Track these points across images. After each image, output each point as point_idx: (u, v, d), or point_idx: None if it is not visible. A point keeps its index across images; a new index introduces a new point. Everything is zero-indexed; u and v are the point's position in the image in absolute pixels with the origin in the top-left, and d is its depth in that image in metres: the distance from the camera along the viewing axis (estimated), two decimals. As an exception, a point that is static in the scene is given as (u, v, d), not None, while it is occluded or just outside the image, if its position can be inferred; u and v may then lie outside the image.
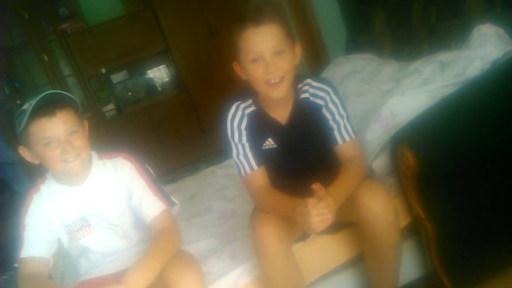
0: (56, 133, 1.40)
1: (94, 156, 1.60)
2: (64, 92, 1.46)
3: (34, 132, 1.40)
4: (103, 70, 4.85)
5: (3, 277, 3.19)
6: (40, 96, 1.37)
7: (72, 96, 1.48)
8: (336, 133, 1.57)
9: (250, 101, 1.60)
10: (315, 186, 1.34)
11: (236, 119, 1.59)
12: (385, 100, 1.85)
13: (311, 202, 1.30)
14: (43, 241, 1.52)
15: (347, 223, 1.59)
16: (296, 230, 1.59)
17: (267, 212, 1.51)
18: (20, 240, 1.52)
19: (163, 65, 5.13)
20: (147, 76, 5.15)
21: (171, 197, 1.60)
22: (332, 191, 1.37)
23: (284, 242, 1.47)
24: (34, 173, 1.52)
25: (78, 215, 1.57)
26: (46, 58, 4.76)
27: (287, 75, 1.47)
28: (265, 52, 1.42)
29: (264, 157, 1.61)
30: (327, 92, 1.57)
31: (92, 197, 1.56)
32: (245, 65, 1.47)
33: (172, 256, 1.45)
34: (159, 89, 5.15)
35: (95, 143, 1.58)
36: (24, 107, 1.39)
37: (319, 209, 1.29)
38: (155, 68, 5.14)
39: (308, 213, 1.30)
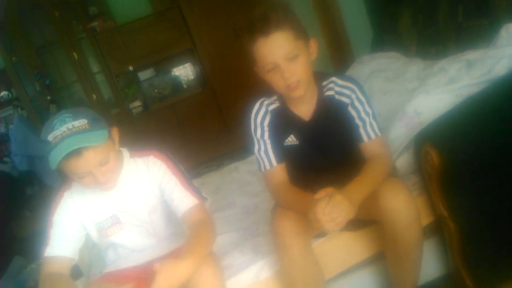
0: (85, 169, 1.41)
1: (126, 154, 1.62)
2: (87, 133, 1.40)
3: (64, 169, 1.41)
4: (131, 68, 4.94)
5: (31, 265, 3.28)
6: (64, 142, 1.35)
7: (97, 134, 1.42)
8: (361, 130, 1.57)
9: (274, 98, 1.62)
10: (319, 195, 1.34)
11: (260, 115, 1.62)
12: (410, 98, 1.83)
13: (320, 205, 1.30)
14: (69, 240, 1.54)
15: (369, 220, 1.59)
16: (316, 226, 1.60)
17: (286, 208, 1.53)
18: (46, 237, 1.54)
19: (189, 63, 5.20)
20: (173, 73, 5.23)
21: (202, 192, 1.62)
22: (351, 188, 1.38)
23: (303, 237, 1.48)
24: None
25: (109, 213, 1.60)
26: (75, 55, 4.88)
27: (304, 76, 1.47)
28: (278, 60, 1.42)
29: (286, 154, 1.62)
30: (353, 90, 1.57)
31: (124, 196, 1.59)
32: (263, 73, 1.48)
33: (211, 247, 1.48)
34: (185, 87, 5.22)
35: (122, 139, 1.59)
36: (49, 138, 1.37)
37: (328, 212, 1.29)
38: (180, 66, 5.22)
39: (318, 215, 1.30)
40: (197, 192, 1.58)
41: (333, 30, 3.49)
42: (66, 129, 1.36)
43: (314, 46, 1.51)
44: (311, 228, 1.53)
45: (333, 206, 1.29)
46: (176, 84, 5.23)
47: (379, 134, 1.58)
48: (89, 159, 1.38)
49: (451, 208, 1.60)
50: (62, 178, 1.57)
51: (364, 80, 2.26)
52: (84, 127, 1.39)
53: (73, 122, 1.38)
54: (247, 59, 1.50)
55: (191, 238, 1.48)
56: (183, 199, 1.56)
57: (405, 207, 1.42)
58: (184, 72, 5.25)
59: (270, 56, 1.42)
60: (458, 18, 2.05)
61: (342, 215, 1.30)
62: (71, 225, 1.56)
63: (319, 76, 1.58)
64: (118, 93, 5.06)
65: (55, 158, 1.35)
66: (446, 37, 2.13)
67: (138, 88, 5.16)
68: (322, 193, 1.34)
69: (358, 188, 1.40)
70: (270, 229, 1.56)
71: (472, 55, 1.85)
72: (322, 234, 1.68)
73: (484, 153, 1.56)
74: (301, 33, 1.46)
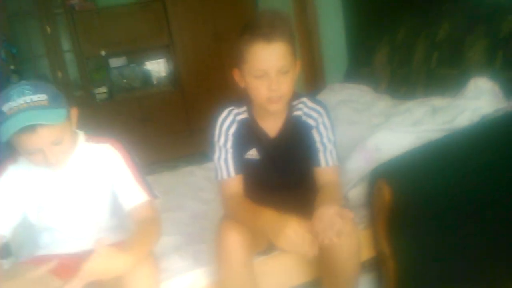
0: (37, 147, 1.35)
1: (81, 137, 1.56)
2: (45, 110, 1.34)
3: (15, 143, 1.35)
4: (103, 53, 4.83)
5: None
6: (19, 116, 1.30)
7: (55, 112, 1.36)
8: (321, 155, 1.58)
9: (244, 108, 1.61)
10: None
11: (226, 123, 1.60)
12: (372, 133, 1.87)
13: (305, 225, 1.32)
14: (4, 216, 1.48)
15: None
16: (261, 243, 1.58)
17: (234, 220, 1.52)
18: None
19: (163, 59, 5.14)
20: (145, 67, 5.14)
21: (154, 190, 1.58)
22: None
23: (246, 251, 1.46)
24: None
25: (52, 194, 1.54)
26: (48, 29, 4.72)
27: (287, 93, 1.48)
28: (271, 70, 1.41)
29: (245, 167, 1.61)
30: (320, 114, 1.58)
31: (71, 180, 1.53)
32: (248, 77, 1.46)
33: (154, 246, 1.45)
34: (154, 82, 5.14)
35: (81, 122, 1.54)
36: (4, 108, 1.31)
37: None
38: (154, 61, 5.14)
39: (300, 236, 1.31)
40: (148, 188, 1.55)
41: (310, 53, 3.53)
42: (23, 102, 1.31)
43: (298, 68, 1.52)
44: (258, 244, 1.54)
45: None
46: (146, 78, 5.14)
47: (336, 163, 1.60)
48: (43, 137, 1.33)
49: (394, 246, 1.63)
50: (9, 151, 1.50)
51: (332, 107, 2.26)
52: (42, 103, 1.33)
53: (32, 96, 1.32)
54: (223, 66, 1.48)
55: (136, 234, 1.44)
56: (133, 193, 1.52)
57: (347, 239, 1.42)
58: (157, 67, 5.17)
59: (265, 63, 1.41)
60: (431, 64, 2.11)
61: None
62: (9, 201, 1.49)
63: (291, 95, 1.58)
64: (85, 76, 4.92)
65: (7, 130, 1.29)
66: (417, 80, 2.19)
67: (107, 74, 5.05)
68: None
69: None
70: (215, 237, 1.54)
71: (438, 102, 1.91)
72: (266, 251, 1.67)
73: (435, 198, 1.60)
74: (295, 52, 1.47)
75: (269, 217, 1.39)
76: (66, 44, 4.89)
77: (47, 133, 1.33)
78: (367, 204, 1.72)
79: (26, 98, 1.31)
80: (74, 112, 1.48)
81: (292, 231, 1.32)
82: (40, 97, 1.33)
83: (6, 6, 4.64)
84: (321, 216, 1.33)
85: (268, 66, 1.41)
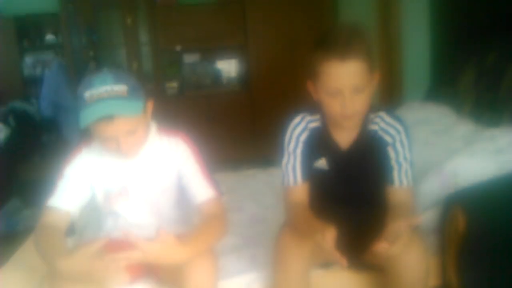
0: (112, 135, 1.39)
1: (154, 128, 1.60)
2: (125, 100, 1.38)
3: (92, 129, 1.40)
4: (178, 48, 4.96)
5: (26, 211, 3.29)
6: (99, 104, 1.34)
7: (134, 104, 1.40)
8: (395, 174, 1.52)
9: (317, 116, 1.57)
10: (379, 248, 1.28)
11: (298, 129, 1.58)
12: (451, 157, 1.79)
13: (330, 238, 1.26)
14: (74, 195, 1.53)
15: (375, 265, 1.53)
16: (320, 256, 1.54)
17: (295, 228, 1.49)
18: (53, 187, 1.53)
19: (235, 60, 5.20)
20: (216, 65, 5.22)
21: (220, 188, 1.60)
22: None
23: (304, 262, 1.45)
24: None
25: (120, 181, 1.58)
26: (129, 20, 4.91)
27: (362, 110, 1.44)
28: (345, 89, 1.36)
29: (312, 176, 1.58)
30: (398, 131, 1.53)
31: (140, 169, 1.57)
32: (321, 93, 1.43)
33: (218, 242, 1.47)
34: (224, 82, 5.21)
35: (152, 116, 1.57)
36: (86, 95, 1.35)
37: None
38: (226, 60, 5.21)
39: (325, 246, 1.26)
40: (215, 185, 1.56)
41: (390, 67, 3.43)
42: (104, 91, 1.35)
43: (376, 79, 1.46)
44: (318, 256, 1.49)
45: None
46: (217, 77, 5.22)
47: (411, 183, 1.53)
48: (119, 127, 1.37)
49: (462, 278, 1.56)
50: (83, 136, 1.56)
51: (409, 126, 2.21)
52: (122, 94, 1.37)
53: (113, 85, 1.36)
54: (295, 73, 1.46)
55: (200, 228, 1.46)
56: (201, 189, 1.54)
57: (416, 264, 1.39)
58: (228, 67, 5.24)
59: (339, 82, 1.36)
60: (522, 91, 1.99)
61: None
62: (80, 182, 1.54)
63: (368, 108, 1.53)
64: (159, 69, 5.07)
65: (86, 117, 1.34)
66: (504, 107, 2.07)
67: (179, 69, 5.17)
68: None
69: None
70: (275, 243, 1.52)
71: (526, 132, 1.80)
72: (325, 265, 1.63)
73: (513, 232, 1.50)
74: (372, 67, 1.41)
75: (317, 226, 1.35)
76: (144, 37, 5.07)
77: (123, 123, 1.37)
78: (439, 231, 1.65)
79: (108, 87, 1.35)
80: (150, 104, 1.52)
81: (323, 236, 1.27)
82: (121, 88, 1.37)
83: (91, -6, 4.86)
84: (392, 229, 1.26)
85: (342, 85, 1.36)
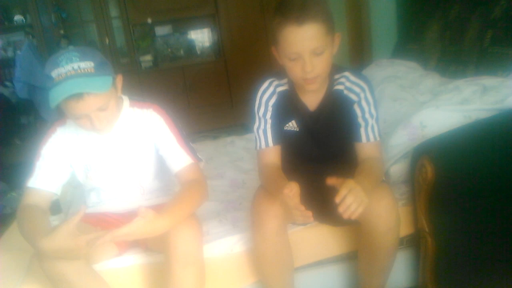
0: (84, 112, 1.39)
1: (126, 102, 1.60)
2: (92, 77, 1.37)
3: (63, 108, 1.39)
4: (149, 20, 4.89)
5: (12, 193, 3.29)
6: (67, 83, 1.33)
7: (101, 80, 1.40)
8: (362, 130, 1.57)
9: (285, 80, 1.60)
10: (332, 181, 1.32)
11: (266, 94, 1.61)
12: (418, 110, 1.83)
13: (294, 194, 1.29)
14: (53, 175, 1.54)
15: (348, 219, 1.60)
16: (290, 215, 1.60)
17: (269, 191, 1.53)
18: (32, 168, 1.54)
19: (208, 29, 5.16)
20: (189, 36, 5.19)
21: (198, 154, 1.62)
22: (361, 179, 1.35)
23: (280, 221, 1.48)
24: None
25: (98, 156, 1.59)
26: (98, -5, 4.81)
27: (323, 72, 1.46)
28: (304, 53, 1.38)
29: (283, 138, 1.63)
30: (363, 89, 1.56)
31: (116, 143, 1.58)
32: (283, 59, 1.44)
33: (199, 206, 1.49)
34: (198, 52, 5.18)
35: (126, 88, 1.57)
36: (53, 74, 1.34)
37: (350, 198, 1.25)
38: (198, 30, 5.18)
39: (289, 204, 1.30)
40: (192, 152, 1.58)
41: (358, 27, 3.45)
42: (71, 68, 1.34)
43: (337, 40, 1.47)
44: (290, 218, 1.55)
45: (355, 196, 1.25)
46: (190, 47, 5.19)
47: (378, 138, 1.58)
48: (89, 104, 1.37)
49: (433, 224, 1.62)
50: (59, 114, 1.55)
51: (377, 82, 2.25)
52: (89, 70, 1.36)
53: (79, 63, 1.35)
54: (268, 38, 1.47)
55: (179, 195, 1.48)
56: (178, 156, 1.56)
57: (387, 214, 1.44)
58: (201, 37, 5.21)
59: (297, 46, 1.38)
60: (484, 42, 2.03)
61: (358, 202, 1.26)
62: (58, 160, 1.56)
63: (333, 68, 1.55)
64: (131, 43, 5.01)
65: (55, 96, 1.33)
66: (468, 59, 2.12)
67: (152, 42, 5.12)
68: (333, 181, 1.32)
69: (367, 181, 1.37)
70: (250, 206, 1.58)
71: (489, 81, 1.85)
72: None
73: (479, 178, 1.57)
74: (331, 28, 1.42)
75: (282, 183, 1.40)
76: (114, 11, 4.98)
77: (93, 100, 1.37)
78: (409, 181, 1.71)
79: (74, 65, 1.34)
80: (119, 78, 1.51)
81: (285, 194, 1.30)
82: (87, 64, 1.36)
83: (57, -29, 4.74)
84: (347, 187, 1.27)
85: (300, 49, 1.38)
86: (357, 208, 1.26)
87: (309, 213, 1.29)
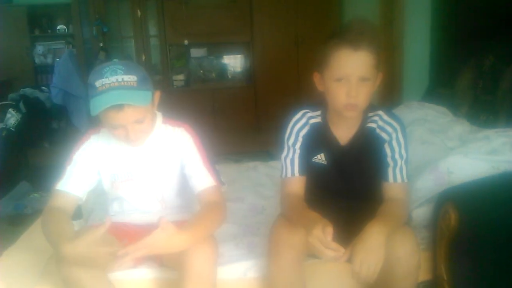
0: (121, 123, 1.44)
1: (159, 117, 1.65)
2: (134, 90, 1.43)
3: (101, 117, 1.45)
4: (186, 42, 5.02)
5: (35, 194, 3.35)
6: (110, 93, 1.39)
7: (143, 94, 1.46)
8: (390, 170, 1.56)
9: (318, 113, 1.62)
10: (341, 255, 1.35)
11: (298, 125, 1.62)
12: (446, 155, 1.83)
13: (329, 231, 1.30)
14: (82, 180, 1.58)
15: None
16: (313, 249, 1.59)
17: (289, 219, 1.53)
18: (62, 172, 1.58)
19: (241, 55, 5.26)
20: (222, 60, 5.30)
21: (221, 177, 1.65)
22: (381, 224, 1.37)
23: (298, 252, 1.48)
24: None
25: (126, 167, 1.63)
26: (139, 13, 4.97)
27: (364, 102, 1.48)
28: (352, 76, 1.42)
29: (310, 170, 1.63)
30: (395, 129, 1.57)
31: (146, 156, 1.63)
32: (328, 81, 1.47)
33: (217, 228, 1.51)
34: (229, 76, 5.28)
35: (158, 106, 1.62)
36: (96, 83, 1.41)
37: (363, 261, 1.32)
38: (232, 55, 5.30)
39: (322, 241, 1.31)
40: (216, 174, 1.61)
41: (391, 67, 3.47)
42: (115, 80, 1.40)
43: (379, 79, 1.52)
44: (308, 247, 1.54)
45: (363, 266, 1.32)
46: (222, 71, 5.30)
47: (405, 180, 1.57)
48: (128, 115, 1.42)
49: (452, 272, 1.60)
50: (92, 123, 1.61)
51: (406, 124, 2.20)
52: (132, 84, 1.42)
53: (123, 76, 1.41)
54: (299, 71, 1.49)
55: (199, 215, 1.51)
56: (202, 177, 1.59)
57: (408, 258, 1.41)
58: (234, 62, 5.32)
59: (347, 69, 1.42)
60: (518, 95, 2.03)
61: (372, 270, 1.32)
62: (88, 167, 1.60)
63: (368, 106, 1.56)
64: (166, 62, 5.14)
65: (98, 105, 1.39)
66: (500, 110, 2.11)
67: (186, 63, 5.24)
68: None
69: (387, 223, 1.39)
70: (269, 233, 1.57)
71: (520, 134, 1.84)
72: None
73: (502, 230, 1.54)
74: (379, 63, 1.47)
75: (312, 218, 1.40)
76: (153, 30, 5.13)
77: (132, 112, 1.42)
78: (431, 226, 1.69)
79: (118, 77, 1.41)
80: (157, 95, 1.57)
81: (315, 235, 1.31)
82: (131, 78, 1.43)
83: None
84: (362, 241, 1.33)
85: (350, 72, 1.42)
86: (372, 274, 1.31)
87: (342, 249, 1.32)
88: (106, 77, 1.40)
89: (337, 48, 1.43)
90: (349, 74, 1.42)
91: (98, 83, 1.40)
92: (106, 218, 1.36)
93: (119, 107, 1.39)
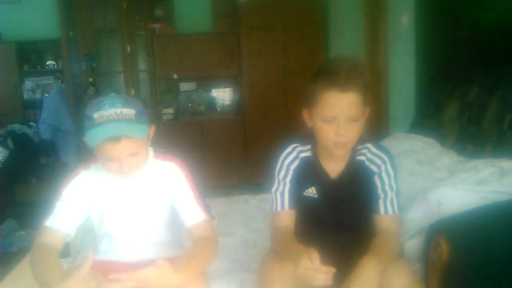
0: (117, 155, 1.45)
1: (150, 152, 1.65)
2: (132, 123, 1.45)
3: (97, 149, 1.46)
4: (175, 76, 5.07)
5: (21, 232, 3.29)
6: (109, 125, 1.41)
7: (140, 127, 1.47)
8: (381, 202, 1.57)
9: (308, 147, 1.63)
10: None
11: (289, 159, 1.63)
12: (435, 186, 1.84)
13: (316, 257, 1.30)
14: (70, 216, 1.57)
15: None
16: (304, 280, 1.57)
17: (279, 254, 1.53)
18: (51, 207, 1.57)
19: (229, 89, 5.32)
20: (211, 93, 5.34)
21: (212, 211, 1.64)
22: (375, 259, 1.37)
23: (287, 286, 1.45)
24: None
25: (116, 203, 1.62)
26: (128, 48, 5.04)
27: (353, 140, 1.50)
28: (341, 117, 1.43)
29: (301, 204, 1.63)
30: (384, 161, 1.58)
31: (136, 191, 1.62)
32: (317, 120, 1.49)
33: (210, 265, 1.50)
34: (218, 109, 5.32)
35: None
36: (95, 115, 1.42)
37: None
38: (220, 89, 5.35)
39: (311, 268, 1.30)
40: (207, 208, 1.60)
41: (377, 100, 3.52)
42: (114, 113, 1.41)
43: (367, 113, 1.53)
44: (299, 283, 1.52)
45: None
46: (211, 104, 5.34)
47: (396, 211, 1.58)
48: (125, 148, 1.43)
49: (445, 304, 1.58)
50: (80, 158, 1.60)
51: (394, 155, 2.25)
52: (130, 117, 1.44)
53: (122, 109, 1.43)
54: (287, 104, 1.51)
55: (192, 252, 1.50)
56: (193, 212, 1.58)
57: None
58: (222, 95, 5.37)
59: (336, 110, 1.43)
60: (503, 125, 2.06)
61: None
62: (77, 202, 1.58)
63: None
64: (156, 96, 5.17)
65: (96, 136, 1.40)
66: (486, 140, 2.14)
67: (175, 96, 5.28)
68: None
69: (381, 258, 1.39)
70: (259, 269, 1.56)
71: (508, 164, 1.85)
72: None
73: (495, 260, 1.53)
74: (366, 100, 1.48)
75: (297, 250, 1.40)
76: (142, 64, 5.18)
77: (129, 144, 1.43)
78: (422, 258, 1.68)
79: (117, 110, 1.42)
80: (152, 129, 1.58)
81: (303, 265, 1.31)
82: (129, 111, 1.44)
83: (92, 22, 4.98)
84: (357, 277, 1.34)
85: (339, 113, 1.43)
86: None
87: (333, 270, 1.31)
88: (104, 109, 1.41)
89: (324, 91, 1.44)
90: (338, 115, 1.43)
91: (96, 115, 1.41)
92: (88, 253, 1.35)
93: (117, 139, 1.40)
